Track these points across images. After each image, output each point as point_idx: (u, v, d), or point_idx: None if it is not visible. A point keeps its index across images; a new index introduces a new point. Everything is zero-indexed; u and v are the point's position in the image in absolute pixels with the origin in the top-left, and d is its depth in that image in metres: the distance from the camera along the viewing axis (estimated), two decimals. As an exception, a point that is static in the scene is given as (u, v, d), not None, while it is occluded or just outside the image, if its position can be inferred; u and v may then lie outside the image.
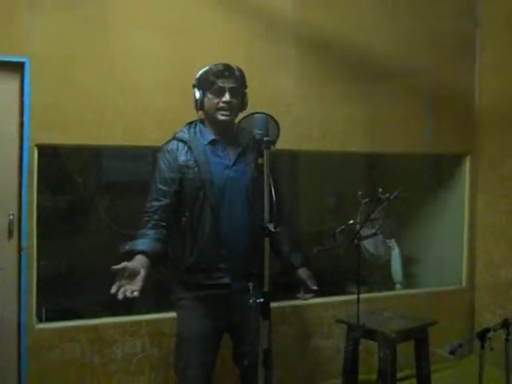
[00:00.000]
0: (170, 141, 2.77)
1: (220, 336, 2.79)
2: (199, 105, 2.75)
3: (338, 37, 3.95)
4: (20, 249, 3.16)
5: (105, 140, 3.39)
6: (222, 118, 2.71)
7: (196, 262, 2.67)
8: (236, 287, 2.66)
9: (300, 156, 4.61)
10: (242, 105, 2.80)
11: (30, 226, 3.18)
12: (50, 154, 3.81)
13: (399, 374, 3.19)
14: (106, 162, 4.35)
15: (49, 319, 3.37)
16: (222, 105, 2.69)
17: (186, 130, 2.78)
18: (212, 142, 2.73)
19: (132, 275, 2.37)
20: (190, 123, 2.81)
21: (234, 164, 2.73)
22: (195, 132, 2.75)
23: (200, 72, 2.77)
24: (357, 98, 4.03)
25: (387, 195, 2.89)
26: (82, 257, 4.17)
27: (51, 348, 3.24)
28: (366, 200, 2.96)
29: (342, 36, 3.97)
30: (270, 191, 2.25)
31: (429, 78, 4.28)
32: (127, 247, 2.53)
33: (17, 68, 3.13)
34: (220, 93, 2.69)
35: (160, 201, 2.66)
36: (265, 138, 2.28)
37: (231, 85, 2.70)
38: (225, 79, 2.69)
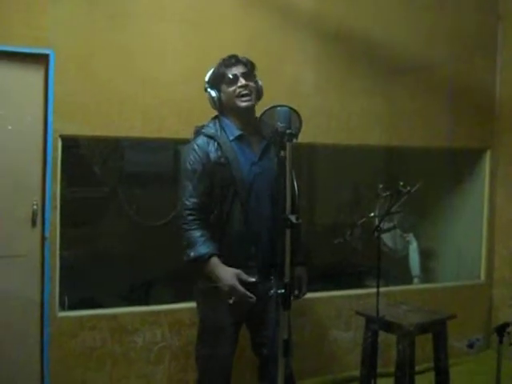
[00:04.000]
0: (197, 136, 2.78)
1: (239, 326, 2.82)
2: (217, 102, 2.78)
3: (357, 29, 3.94)
4: (43, 238, 3.20)
5: (125, 131, 3.42)
6: (244, 104, 2.73)
7: (224, 259, 2.66)
8: (263, 283, 2.66)
9: (320, 149, 4.60)
10: (258, 91, 2.80)
11: (54, 215, 3.23)
12: (73, 146, 3.86)
13: (417, 367, 3.20)
14: (128, 154, 4.39)
15: (71, 307, 3.43)
16: (239, 90, 2.72)
17: (211, 124, 2.79)
18: (238, 138, 2.75)
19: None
20: (215, 118, 2.83)
21: (259, 159, 2.75)
22: (221, 127, 2.77)
23: (208, 74, 2.82)
24: (376, 90, 4.03)
25: (408, 189, 2.89)
26: (104, 246, 4.22)
27: (73, 336, 3.29)
28: (387, 193, 2.96)
29: (361, 28, 3.96)
30: (293, 183, 2.27)
31: (449, 71, 4.26)
32: (192, 254, 2.61)
33: (41, 60, 3.16)
34: (234, 80, 2.72)
35: (199, 197, 2.68)
36: (287, 131, 2.31)
37: (242, 70, 2.74)
38: (235, 67, 2.73)
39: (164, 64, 3.46)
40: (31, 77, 3.19)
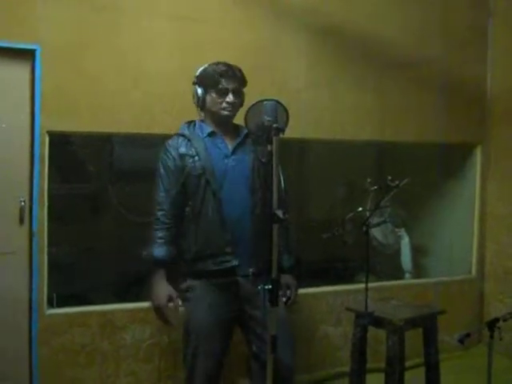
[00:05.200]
0: (171, 137, 2.85)
1: (231, 324, 2.81)
2: (201, 102, 2.81)
3: (348, 24, 3.93)
4: (31, 234, 3.18)
5: (115, 127, 3.40)
6: (226, 113, 2.78)
7: (202, 248, 2.72)
8: (243, 271, 2.71)
9: (310, 144, 4.59)
10: (241, 104, 2.84)
11: (41, 212, 3.20)
12: (61, 142, 3.83)
13: (407, 363, 3.18)
14: (118, 150, 4.36)
15: (59, 305, 3.40)
16: (225, 105, 2.76)
17: (185, 127, 2.86)
18: (210, 134, 2.79)
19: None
20: (189, 122, 2.88)
21: (232, 153, 2.78)
22: (194, 128, 2.83)
23: (200, 70, 2.84)
24: (367, 86, 4.02)
25: (396, 183, 2.89)
26: (93, 243, 4.20)
27: (62, 333, 3.27)
28: (375, 187, 2.95)
29: (353, 24, 3.95)
30: (279, 178, 2.26)
31: (440, 67, 4.25)
32: (144, 254, 2.73)
33: (28, 55, 3.13)
34: (224, 93, 2.76)
35: (169, 192, 2.75)
36: (274, 125, 2.30)
37: (234, 85, 2.76)
38: (228, 79, 2.75)
39: (155, 59, 3.43)
40: (18, 72, 3.15)
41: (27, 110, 3.17)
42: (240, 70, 2.83)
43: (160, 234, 2.72)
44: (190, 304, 2.79)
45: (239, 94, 2.80)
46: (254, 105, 2.42)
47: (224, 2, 3.59)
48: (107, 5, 3.31)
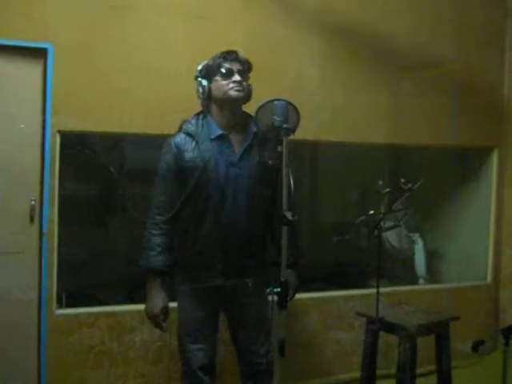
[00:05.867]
0: (177, 133, 2.73)
1: (215, 319, 2.81)
2: (206, 92, 2.69)
3: (362, 25, 3.88)
4: (41, 234, 3.18)
5: (126, 128, 3.38)
6: (235, 93, 2.63)
7: (194, 259, 2.68)
8: (231, 288, 2.67)
9: (323, 146, 4.55)
10: (248, 92, 2.73)
11: (52, 211, 3.20)
12: (73, 141, 3.83)
13: (419, 370, 3.14)
14: (129, 150, 4.36)
15: (69, 305, 3.39)
16: (232, 85, 2.64)
17: (193, 121, 2.73)
18: (219, 137, 2.67)
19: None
20: (198, 114, 2.76)
21: (239, 160, 2.67)
22: (203, 125, 2.70)
23: (202, 64, 2.75)
24: (381, 87, 3.97)
25: (409, 185, 2.84)
26: (103, 243, 4.20)
27: (70, 334, 3.26)
28: (387, 190, 2.89)
29: (367, 24, 3.90)
30: (289, 180, 2.22)
31: (456, 68, 4.20)
32: (143, 263, 2.69)
33: (39, 54, 3.13)
34: (229, 74, 2.65)
35: (169, 197, 2.68)
36: (284, 126, 2.26)
37: (239, 67, 2.67)
38: (232, 62, 2.67)
39: (166, 59, 3.41)
40: (29, 71, 3.15)
41: (38, 109, 3.17)
42: (243, 56, 2.73)
43: (158, 240, 2.66)
44: (179, 300, 2.81)
45: (245, 77, 2.70)
46: (263, 104, 2.38)
47: (236, 1, 3.56)
48: (119, 4, 3.30)
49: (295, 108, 2.39)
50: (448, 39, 4.16)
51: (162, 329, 2.73)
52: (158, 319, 2.69)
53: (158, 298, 2.68)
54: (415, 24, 4.05)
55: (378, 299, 2.80)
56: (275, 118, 2.29)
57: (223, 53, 2.70)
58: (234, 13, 3.56)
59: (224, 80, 2.65)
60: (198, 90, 2.73)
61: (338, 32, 3.82)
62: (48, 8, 3.14)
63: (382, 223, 2.80)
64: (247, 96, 2.72)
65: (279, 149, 2.24)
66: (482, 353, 4.00)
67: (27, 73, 3.15)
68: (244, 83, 2.67)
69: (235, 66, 2.66)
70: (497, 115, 4.40)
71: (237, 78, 2.64)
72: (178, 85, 3.40)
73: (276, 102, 2.34)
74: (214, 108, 2.72)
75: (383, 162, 4.76)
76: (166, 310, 2.70)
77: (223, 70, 2.65)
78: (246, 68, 2.71)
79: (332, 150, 4.59)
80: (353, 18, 3.86)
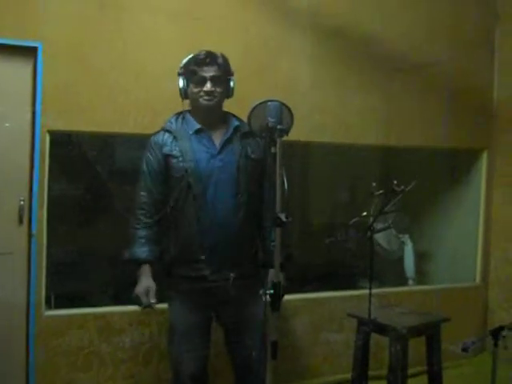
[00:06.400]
0: (157, 132, 2.79)
1: (208, 326, 2.81)
2: (183, 93, 2.76)
3: (355, 26, 3.89)
4: (30, 235, 3.14)
5: (117, 127, 3.35)
6: (205, 102, 2.69)
7: (178, 252, 2.70)
8: (218, 278, 2.69)
9: (314, 147, 4.55)
10: (227, 92, 2.78)
11: (41, 212, 3.16)
12: (62, 141, 3.80)
13: (410, 370, 3.14)
14: (119, 149, 4.32)
15: (58, 306, 3.37)
16: (202, 94, 2.69)
17: (173, 120, 2.79)
18: (197, 131, 2.72)
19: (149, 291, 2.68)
20: (179, 113, 2.81)
21: (219, 153, 2.71)
22: (182, 122, 2.76)
23: (184, 60, 2.77)
24: (373, 89, 3.98)
25: (402, 187, 2.84)
26: (92, 244, 4.16)
27: (60, 335, 3.23)
28: (380, 192, 2.90)
29: (360, 26, 3.91)
30: (283, 181, 2.22)
31: (447, 70, 4.21)
32: (127, 256, 2.72)
33: (29, 52, 3.09)
34: (201, 82, 2.69)
35: (150, 193, 2.72)
36: (278, 126, 2.26)
37: (212, 73, 2.69)
38: (206, 67, 2.68)
39: (158, 57, 3.39)
40: (19, 70, 3.12)
41: (28, 108, 3.14)
42: (223, 58, 2.75)
43: (141, 233, 2.70)
44: (170, 304, 2.81)
45: (220, 83, 2.71)
46: (257, 105, 2.38)
47: (230, 1, 3.55)
48: (110, 2, 3.28)
49: (289, 109, 2.39)
50: (439, 42, 4.18)
51: (150, 306, 2.70)
52: (144, 297, 2.68)
53: (145, 281, 2.69)
54: (407, 26, 4.06)
55: (370, 301, 2.79)
56: (269, 118, 2.28)
57: (199, 56, 2.72)
58: (227, 12, 3.54)
59: (195, 87, 2.70)
60: (178, 87, 2.78)
61: (330, 33, 3.82)
62: (38, 6, 3.11)
63: (374, 225, 2.80)
64: (226, 95, 2.77)
65: (273, 150, 2.23)
66: (471, 353, 4.02)
67: (17, 71, 3.11)
68: (216, 90, 2.70)
69: (209, 72, 2.68)
70: (486, 117, 4.42)
71: (208, 87, 2.68)
72: (170, 84, 3.36)
73: (270, 103, 2.33)
74: (192, 106, 2.78)
75: (373, 164, 4.77)
76: (149, 289, 2.68)
77: (196, 77, 2.70)
78: (222, 70, 2.73)
79: (323, 152, 4.59)
80: (346, 19, 3.87)
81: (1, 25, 3.04)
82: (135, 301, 2.72)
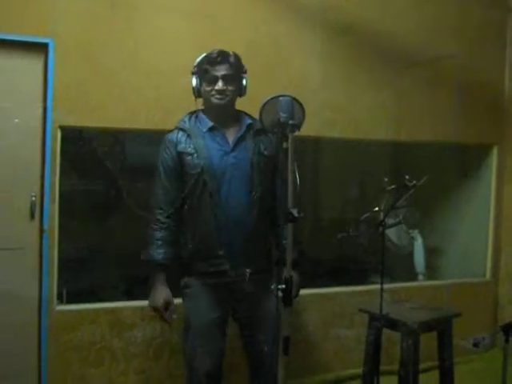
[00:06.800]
0: (171, 130, 2.81)
1: (225, 322, 2.80)
2: (196, 92, 2.78)
3: (365, 23, 3.88)
4: (42, 230, 3.15)
5: (128, 123, 3.36)
6: (216, 101, 2.71)
7: (196, 249, 2.72)
8: (236, 273, 2.70)
9: (326, 143, 4.54)
10: (240, 90, 2.80)
11: (52, 207, 3.18)
12: (74, 137, 3.82)
13: (421, 366, 3.13)
14: (130, 145, 4.33)
15: (69, 301, 3.38)
16: (213, 93, 2.71)
17: (186, 119, 2.81)
18: (210, 129, 2.74)
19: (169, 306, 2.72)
20: (192, 113, 2.83)
21: (232, 150, 2.73)
22: (195, 121, 2.78)
23: (197, 59, 2.78)
24: (383, 84, 3.97)
25: (414, 182, 2.83)
26: (103, 239, 4.18)
27: (71, 330, 3.24)
28: (392, 187, 2.89)
29: (370, 22, 3.90)
30: (295, 176, 2.21)
31: (457, 65, 4.19)
32: (142, 257, 2.73)
33: (41, 49, 3.10)
34: (213, 81, 2.70)
35: (166, 191, 2.73)
36: (290, 122, 2.25)
37: (224, 72, 2.70)
38: (218, 66, 2.70)
39: (168, 55, 3.39)
40: (31, 66, 3.13)
41: (39, 104, 3.14)
42: (236, 56, 2.76)
43: (158, 234, 2.70)
44: (187, 301, 2.81)
45: (232, 81, 2.73)
46: (268, 100, 2.36)
47: (239, -1, 3.55)
48: (121, 1, 3.28)
49: (300, 104, 2.38)
50: (450, 36, 4.16)
51: (166, 321, 2.73)
52: (161, 312, 2.70)
53: (161, 292, 2.70)
54: (417, 22, 4.04)
55: (381, 296, 2.79)
56: (281, 114, 2.27)
57: (211, 55, 2.73)
58: (237, 10, 3.54)
59: (207, 86, 2.72)
60: (191, 86, 2.80)
61: (340, 30, 3.81)
62: (50, 3, 3.11)
63: (386, 220, 2.79)
64: (239, 93, 2.79)
65: (285, 145, 2.23)
66: (482, 349, 4.02)
67: (28, 68, 3.12)
68: (228, 88, 2.71)
69: (221, 71, 2.70)
70: (497, 113, 4.40)
71: (219, 85, 2.69)
72: (180, 81, 3.37)
73: (281, 98, 2.32)
74: (204, 104, 2.80)
75: (383, 159, 4.76)
76: (169, 303, 2.71)
77: (207, 76, 2.71)
78: (234, 69, 2.74)
79: (334, 147, 4.58)
80: (355, 16, 3.86)
81: (12, 21, 3.05)
82: (153, 310, 2.75)
